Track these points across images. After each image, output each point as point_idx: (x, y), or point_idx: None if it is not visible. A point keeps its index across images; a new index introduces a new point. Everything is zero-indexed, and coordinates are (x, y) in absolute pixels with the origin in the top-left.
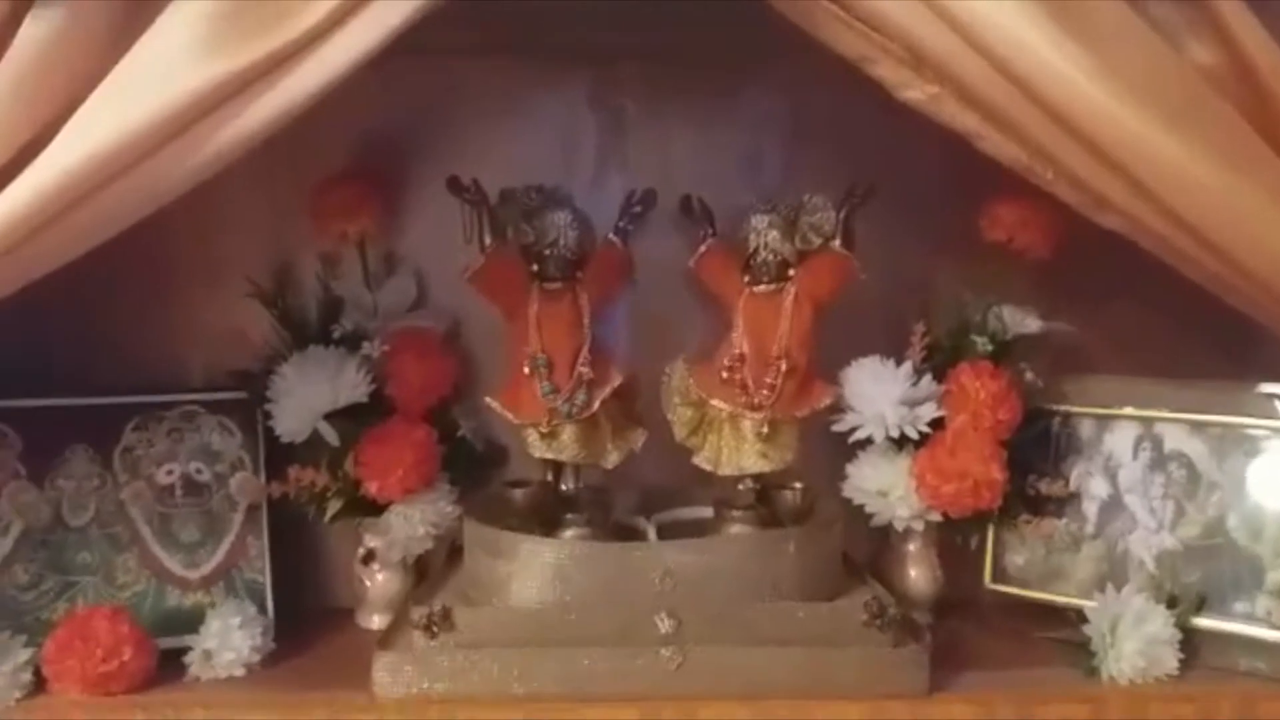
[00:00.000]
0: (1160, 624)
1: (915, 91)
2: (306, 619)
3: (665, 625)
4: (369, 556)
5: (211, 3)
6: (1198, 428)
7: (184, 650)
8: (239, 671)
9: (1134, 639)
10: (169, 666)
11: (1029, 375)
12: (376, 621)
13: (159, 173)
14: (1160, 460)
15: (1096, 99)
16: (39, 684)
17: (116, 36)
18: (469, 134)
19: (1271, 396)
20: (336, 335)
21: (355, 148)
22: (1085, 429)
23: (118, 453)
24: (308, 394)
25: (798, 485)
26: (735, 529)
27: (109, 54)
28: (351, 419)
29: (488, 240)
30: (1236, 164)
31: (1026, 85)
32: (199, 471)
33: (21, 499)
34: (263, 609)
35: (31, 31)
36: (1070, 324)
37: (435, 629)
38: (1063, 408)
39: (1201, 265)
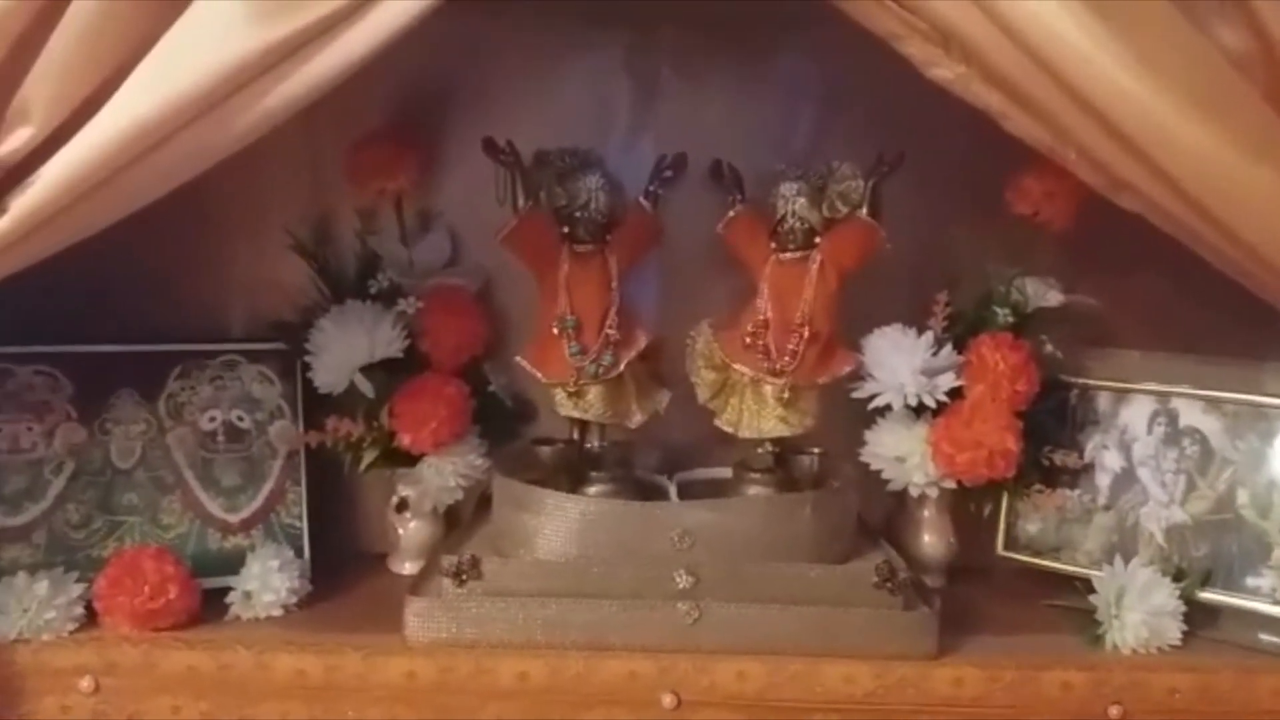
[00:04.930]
0: (1165, 596)
1: (943, 70)
2: (341, 563)
3: (683, 581)
4: (402, 505)
5: None
6: (1213, 404)
7: (224, 590)
8: (277, 612)
9: (1139, 610)
10: (210, 605)
11: (1049, 348)
12: (408, 567)
13: (208, 135)
14: (1175, 435)
15: (1123, 84)
16: (91, 617)
17: (167, 2)
18: (505, 94)
19: None
20: (373, 290)
21: (393, 105)
22: (1102, 402)
23: (163, 398)
24: (345, 348)
25: (816, 450)
26: (753, 490)
27: (160, 20)
28: (387, 372)
29: (520, 202)
30: (1261, 153)
31: (1052, 68)
32: (240, 419)
33: (73, 440)
34: (300, 553)
35: None
36: (1092, 297)
37: (464, 577)
38: (1081, 380)
39: (1219, 251)
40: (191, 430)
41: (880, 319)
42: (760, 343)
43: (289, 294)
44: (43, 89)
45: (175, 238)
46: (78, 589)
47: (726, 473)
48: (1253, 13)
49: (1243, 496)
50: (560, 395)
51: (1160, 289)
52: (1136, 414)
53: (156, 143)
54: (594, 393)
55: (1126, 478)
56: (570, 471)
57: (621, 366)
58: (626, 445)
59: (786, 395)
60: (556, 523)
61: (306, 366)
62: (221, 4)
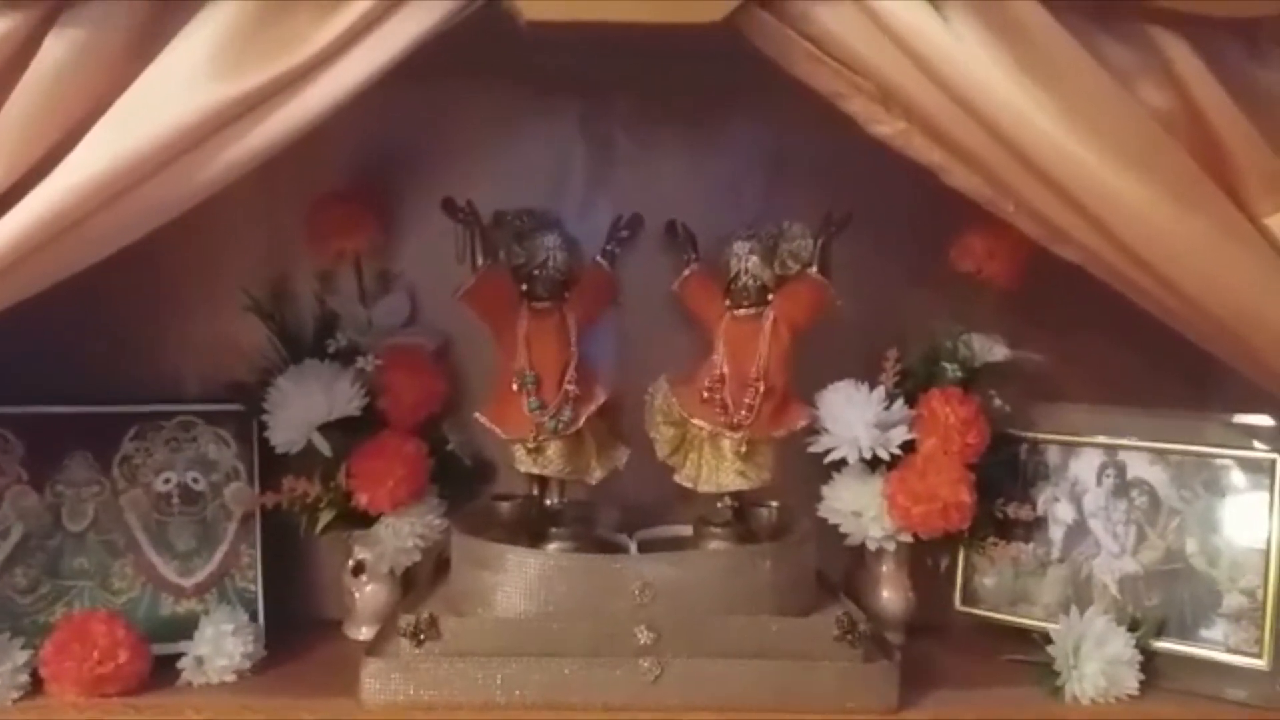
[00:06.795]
0: (1121, 645)
1: (885, 127)
2: (295, 629)
3: (644, 637)
4: (358, 568)
5: (222, 28)
6: (1159, 455)
7: (177, 656)
8: (230, 678)
9: (1096, 659)
10: (162, 671)
11: (997, 402)
12: (364, 633)
13: (166, 189)
14: (1123, 487)
15: (1057, 139)
16: (36, 685)
17: (132, 57)
18: (463, 157)
19: (1230, 426)
20: (331, 350)
21: (352, 167)
22: (1052, 455)
23: (117, 460)
24: (303, 406)
25: (774, 504)
26: (713, 544)
27: (124, 73)
28: (344, 431)
29: (480, 260)
30: (1189, 203)
31: (990, 124)
32: (195, 481)
33: (23, 503)
34: (254, 617)
35: (51, 51)
36: (1038, 353)
37: (422, 637)
38: (1031, 434)
39: (1156, 299)
40: (145, 492)
41: (833, 375)
42: (717, 397)
43: (246, 355)
44: (4, 142)
45: (131, 297)
46: (23, 656)
47: (687, 530)
48: (1174, 73)
49: (1191, 545)
50: (520, 451)
51: (1104, 344)
52: (1086, 466)
53: (118, 194)
54: (554, 449)
55: (1079, 529)
56: (530, 528)
57: (581, 422)
58: (586, 503)
59: (744, 449)
60: (516, 579)
61: (263, 427)
62: (185, 59)
